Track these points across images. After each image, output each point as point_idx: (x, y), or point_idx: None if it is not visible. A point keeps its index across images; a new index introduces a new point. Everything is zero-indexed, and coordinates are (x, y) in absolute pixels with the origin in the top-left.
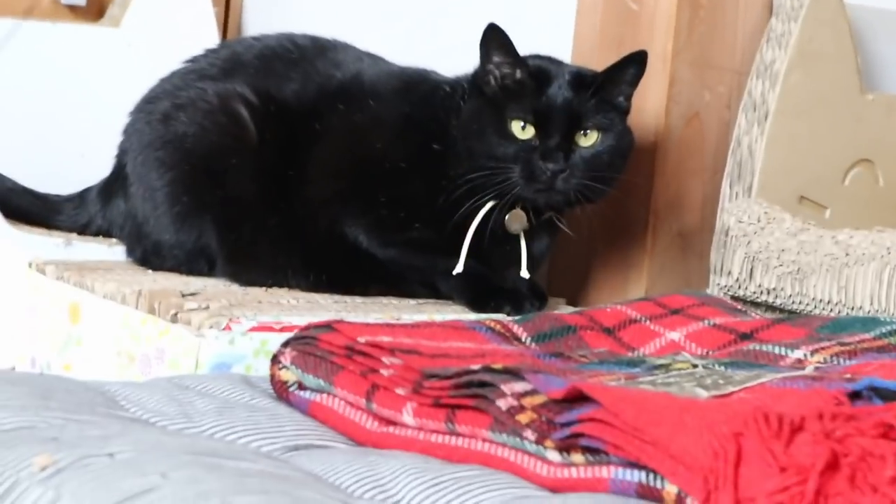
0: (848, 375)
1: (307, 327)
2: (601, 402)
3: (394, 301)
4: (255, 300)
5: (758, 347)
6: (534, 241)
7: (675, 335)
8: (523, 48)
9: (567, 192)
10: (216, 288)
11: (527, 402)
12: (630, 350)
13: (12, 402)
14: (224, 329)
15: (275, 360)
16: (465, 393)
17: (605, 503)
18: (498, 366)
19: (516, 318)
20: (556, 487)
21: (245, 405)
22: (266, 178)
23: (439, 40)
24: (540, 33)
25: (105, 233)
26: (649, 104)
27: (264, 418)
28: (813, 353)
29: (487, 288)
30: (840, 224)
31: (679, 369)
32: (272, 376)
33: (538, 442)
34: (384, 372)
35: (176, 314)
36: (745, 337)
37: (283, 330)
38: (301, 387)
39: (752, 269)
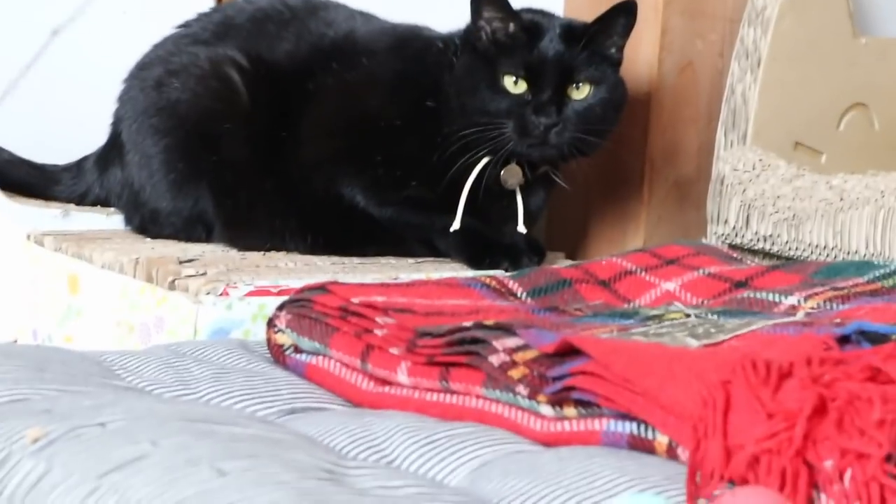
0: (838, 320)
1: (302, 290)
2: (592, 355)
3: (392, 261)
4: (252, 265)
5: (752, 295)
6: (530, 196)
7: (670, 285)
8: (515, 1)
9: (560, 145)
10: (214, 254)
11: (519, 357)
12: (626, 302)
13: (8, 374)
14: (221, 295)
15: (270, 323)
16: (457, 350)
17: (597, 455)
18: (490, 322)
19: (512, 273)
20: (549, 442)
21: (242, 370)
22: (261, 142)
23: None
24: None
25: (103, 202)
26: (642, 54)
27: (261, 383)
28: (806, 298)
29: (485, 244)
30: (836, 169)
31: (672, 319)
32: (268, 340)
33: (531, 397)
34: (378, 332)
35: (173, 281)
36: (740, 285)
37: (280, 293)
38: (297, 350)
39: (748, 217)
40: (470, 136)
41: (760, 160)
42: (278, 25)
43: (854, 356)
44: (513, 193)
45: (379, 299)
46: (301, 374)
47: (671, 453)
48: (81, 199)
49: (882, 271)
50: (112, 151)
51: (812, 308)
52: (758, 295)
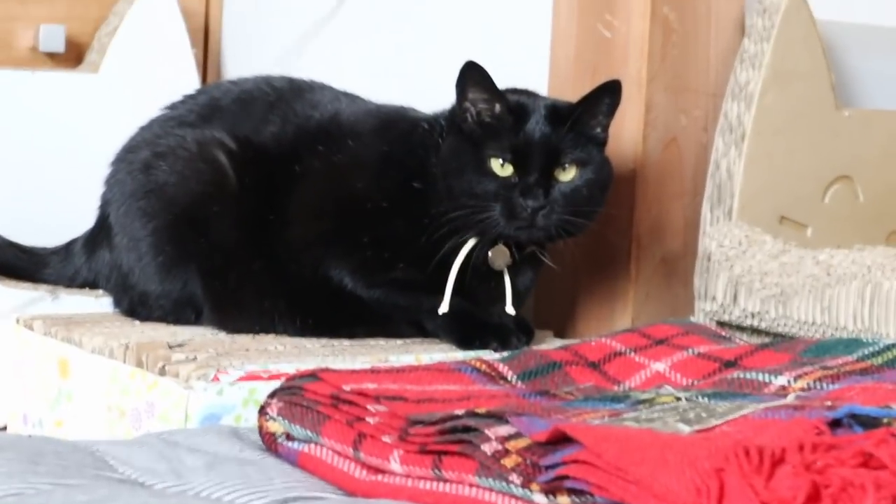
0: (829, 403)
1: (293, 377)
2: (584, 443)
3: (381, 342)
4: (242, 348)
5: (742, 375)
6: (518, 276)
7: (660, 366)
8: (499, 78)
9: (548, 227)
10: (203, 337)
11: (511, 445)
12: (616, 384)
13: (1, 468)
14: (212, 380)
15: (262, 411)
16: (450, 439)
17: None
18: (482, 410)
19: (502, 356)
20: None
21: (234, 459)
22: (248, 224)
23: (416, 75)
24: (515, 62)
25: (91, 284)
26: (626, 130)
27: (253, 472)
28: (796, 378)
29: (473, 325)
30: (822, 242)
31: (663, 403)
32: (260, 428)
33: (524, 485)
34: (370, 420)
35: (164, 367)
36: (730, 365)
37: (270, 378)
38: (289, 437)
39: (735, 294)
40: (457, 218)
41: (747, 236)
42: (264, 107)
43: (846, 441)
44: (500, 274)
45: (370, 386)
46: (293, 462)
47: None
48: (70, 282)
49: (871, 349)
50: (100, 234)
51: (802, 388)
52: (748, 375)
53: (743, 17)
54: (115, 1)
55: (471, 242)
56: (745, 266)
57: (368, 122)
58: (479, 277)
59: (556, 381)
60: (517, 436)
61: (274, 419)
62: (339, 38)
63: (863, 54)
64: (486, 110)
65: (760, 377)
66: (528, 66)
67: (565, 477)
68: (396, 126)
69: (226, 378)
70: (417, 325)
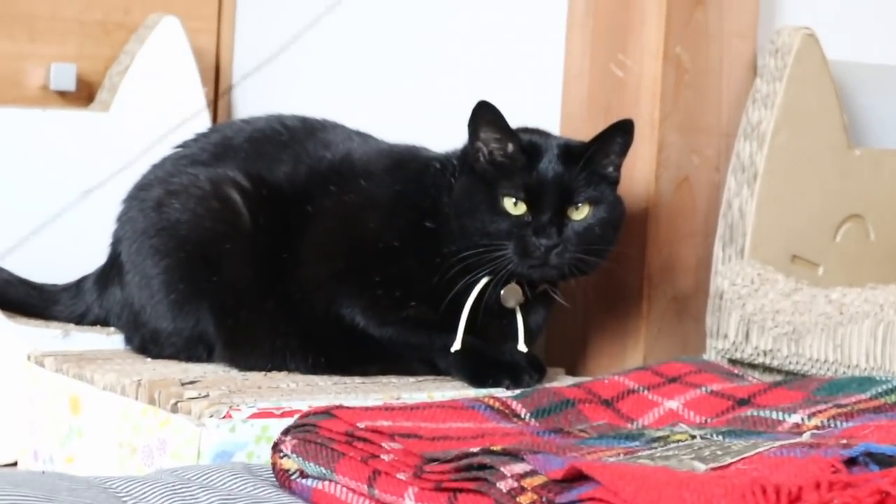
0: (844, 441)
1: (306, 414)
2: (601, 481)
3: (393, 380)
4: (254, 385)
5: (755, 413)
6: (530, 314)
7: (673, 404)
8: (511, 116)
9: (561, 266)
10: (215, 374)
11: (527, 483)
12: (629, 421)
13: None
14: (225, 417)
15: (276, 448)
16: (465, 476)
17: None
18: (497, 447)
19: (515, 394)
20: None
21: (248, 496)
22: (261, 262)
23: (429, 115)
24: (528, 101)
25: (102, 322)
26: (638, 170)
27: None
28: (810, 416)
29: (486, 363)
30: (833, 281)
31: (677, 441)
32: (274, 465)
33: None
34: (385, 457)
35: (176, 404)
36: (743, 403)
37: (283, 415)
38: (303, 475)
39: (748, 332)
40: (470, 257)
41: (759, 275)
42: (276, 147)
43: (862, 479)
44: (513, 312)
45: (385, 424)
46: (307, 499)
47: None
48: (81, 319)
49: (884, 387)
50: (111, 271)
51: (816, 426)
52: (761, 413)
53: (755, 58)
54: (126, 40)
55: (483, 281)
56: (758, 304)
57: (381, 161)
58: (491, 315)
59: (570, 419)
60: (533, 473)
61: (288, 456)
62: (353, 79)
63: (874, 94)
64: (499, 149)
65: (774, 415)
66: (541, 105)
67: None
68: (409, 166)
69: (238, 415)
70: (430, 364)
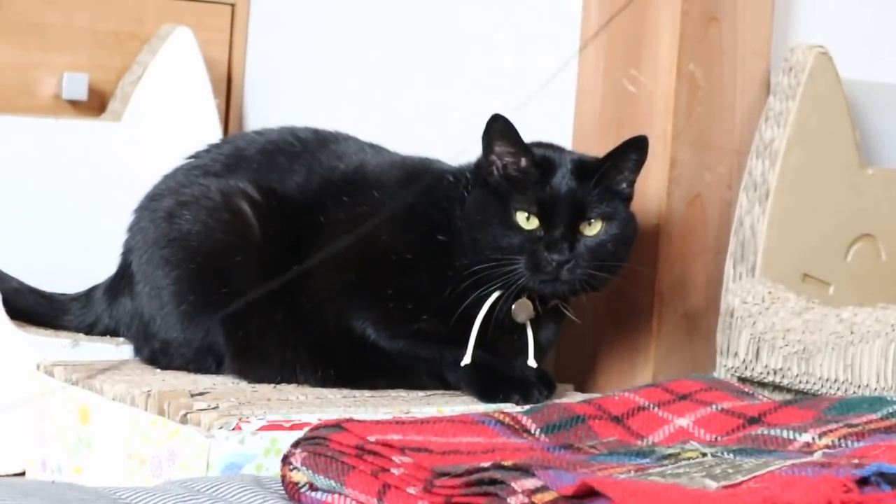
0: (856, 460)
1: (317, 427)
2: (611, 497)
3: (402, 394)
4: (263, 398)
5: (766, 432)
6: (540, 330)
7: (683, 421)
8: (524, 132)
9: (573, 281)
10: (225, 386)
11: (538, 498)
12: (639, 438)
13: None
14: (234, 429)
15: (285, 461)
16: (476, 491)
17: None
18: (508, 462)
19: (525, 409)
20: None
21: None
22: (271, 274)
23: (443, 127)
24: (540, 116)
25: (112, 332)
26: (651, 186)
27: None
28: (821, 436)
29: (496, 378)
30: (844, 300)
31: (688, 458)
32: (283, 477)
33: None
34: (395, 471)
35: (186, 415)
36: (754, 421)
37: (292, 428)
38: (312, 487)
39: (758, 350)
40: (481, 270)
41: (769, 293)
42: (289, 158)
43: (874, 499)
44: (523, 327)
45: (395, 437)
46: None
47: None
48: (90, 329)
49: (895, 407)
50: (122, 282)
51: (827, 445)
52: (772, 432)
53: (768, 75)
54: (139, 50)
55: (494, 295)
56: (768, 323)
57: (393, 173)
58: (501, 330)
59: (580, 435)
60: (544, 489)
61: (297, 469)
62: (366, 90)
63: (887, 113)
64: (512, 163)
65: (785, 434)
66: (553, 121)
67: None
68: (421, 178)
69: (248, 427)
70: (439, 378)
